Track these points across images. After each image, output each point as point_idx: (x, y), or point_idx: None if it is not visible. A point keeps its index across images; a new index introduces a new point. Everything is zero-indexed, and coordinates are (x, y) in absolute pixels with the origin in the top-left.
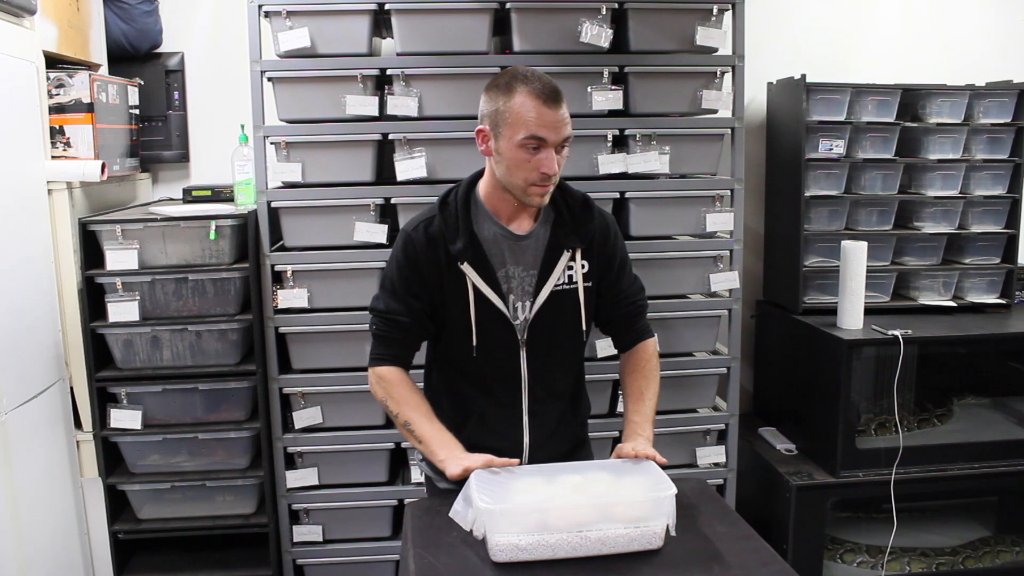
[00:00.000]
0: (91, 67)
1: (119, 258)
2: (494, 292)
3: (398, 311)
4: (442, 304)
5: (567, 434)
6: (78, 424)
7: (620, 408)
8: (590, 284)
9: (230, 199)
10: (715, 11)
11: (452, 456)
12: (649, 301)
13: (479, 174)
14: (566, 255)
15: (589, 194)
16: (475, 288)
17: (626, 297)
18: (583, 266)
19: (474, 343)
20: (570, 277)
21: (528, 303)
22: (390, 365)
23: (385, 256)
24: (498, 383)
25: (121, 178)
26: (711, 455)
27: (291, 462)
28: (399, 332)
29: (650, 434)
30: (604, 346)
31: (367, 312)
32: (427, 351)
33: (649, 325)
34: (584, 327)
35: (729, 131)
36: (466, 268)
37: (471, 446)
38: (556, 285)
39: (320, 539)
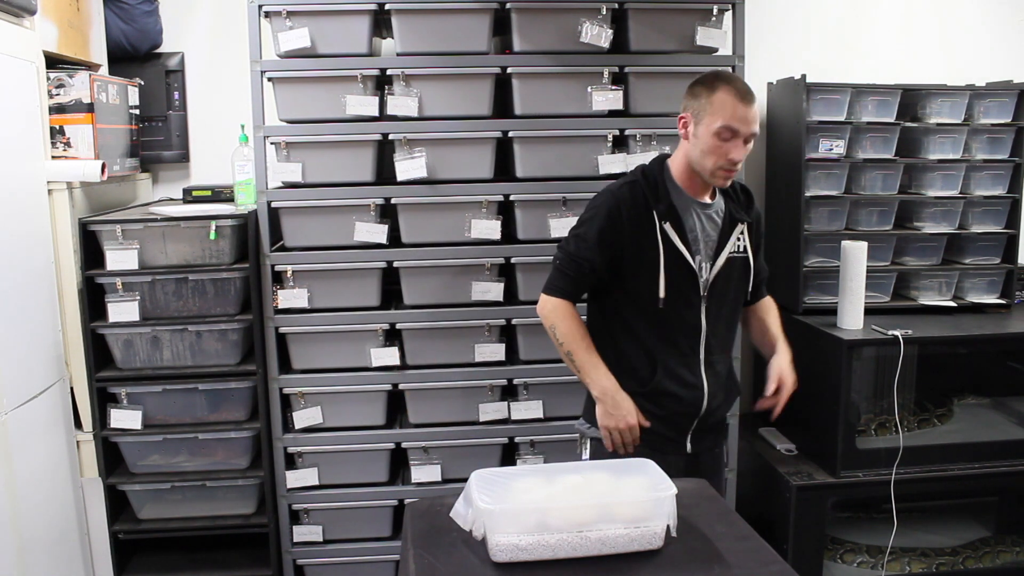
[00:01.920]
0: (91, 67)
1: (119, 258)
2: (688, 251)
3: (586, 257)
4: (635, 258)
5: (731, 393)
6: (78, 424)
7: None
8: (750, 255)
9: (230, 199)
10: (715, 11)
11: (608, 394)
12: None
13: (664, 156)
14: (740, 226)
15: (588, 194)
16: (672, 246)
17: (762, 269)
18: (747, 238)
19: (662, 295)
20: (740, 247)
21: (709, 264)
22: (564, 299)
23: (385, 256)
24: (681, 334)
25: (121, 178)
26: None
27: (291, 462)
28: (579, 274)
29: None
30: None
31: (368, 312)
32: (606, 308)
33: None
34: (750, 288)
35: None
36: (667, 227)
37: (657, 392)
38: (732, 252)
39: (320, 539)
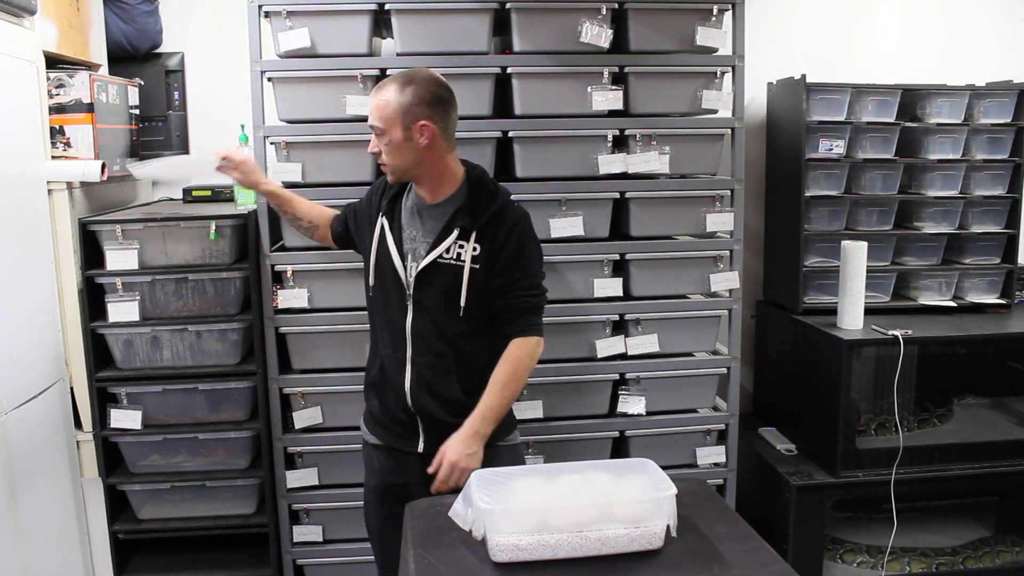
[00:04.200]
0: (91, 67)
1: (119, 258)
2: (396, 248)
3: (346, 212)
4: (364, 251)
5: (452, 399)
6: (78, 424)
7: (620, 408)
8: (478, 267)
9: (230, 199)
10: (715, 11)
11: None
12: (649, 301)
13: None
14: (455, 233)
15: (588, 193)
16: (384, 241)
17: (513, 290)
18: (474, 248)
19: (371, 283)
20: (459, 255)
21: (416, 266)
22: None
23: None
24: (390, 331)
25: (121, 178)
26: (711, 455)
27: (291, 462)
28: (342, 212)
29: (487, 429)
30: (604, 346)
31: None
32: None
33: (537, 324)
34: (463, 302)
35: (729, 131)
36: (383, 220)
37: (374, 385)
38: (441, 257)
39: (320, 539)
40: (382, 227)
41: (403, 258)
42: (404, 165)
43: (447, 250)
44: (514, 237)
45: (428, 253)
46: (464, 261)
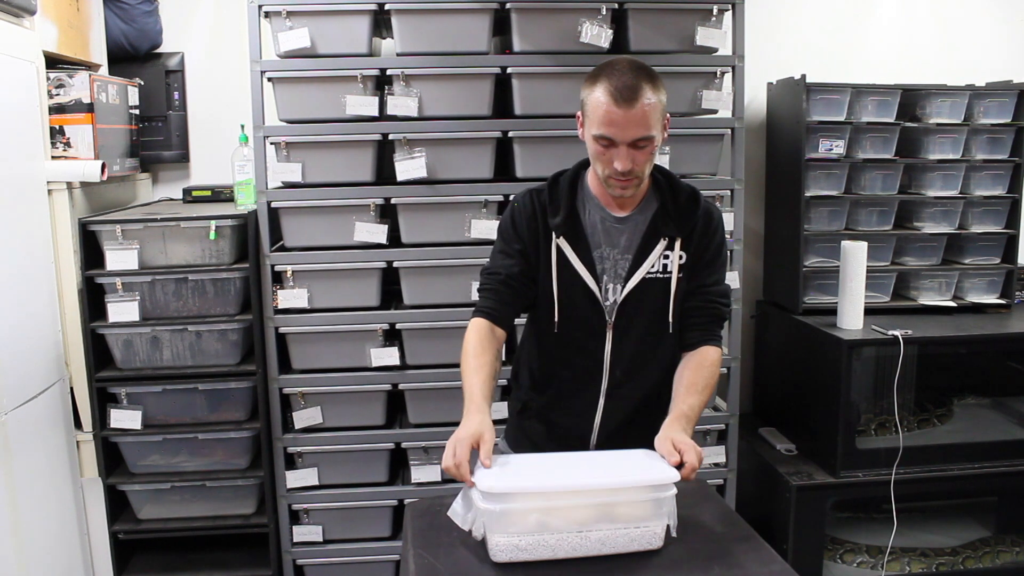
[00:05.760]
0: (91, 67)
1: (119, 258)
2: (587, 271)
3: (498, 268)
4: (536, 273)
5: (646, 426)
6: (78, 424)
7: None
8: (683, 275)
9: (230, 199)
10: (715, 11)
11: (463, 423)
12: None
13: (587, 161)
14: (662, 243)
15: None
16: (568, 264)
17: (706, 292)
18: (680, 257)
19: (556, 318)
20: (665, 266)
21: (619, 286)
22: (481, 317)
23: (385, 256)
24: (579, 360)
25: (121, 178)
26: (711, 455)
27: (291, 462)
28: (496, 285)
29: (690, 431)
30: None
31: (368, 312)
32: (527, 320)
33: (720, 336)
34: (671, 318)
35: (729, 131)
36: (562, 242)
37: (542, 418)
38: (649, 272)
39: (320, 539)
40: (560, 249)
41: (597, 280)
42: (648, 172)
43: (652, 264)
44: (718, 238)
45: (634, 270)
46: (671, 272)
